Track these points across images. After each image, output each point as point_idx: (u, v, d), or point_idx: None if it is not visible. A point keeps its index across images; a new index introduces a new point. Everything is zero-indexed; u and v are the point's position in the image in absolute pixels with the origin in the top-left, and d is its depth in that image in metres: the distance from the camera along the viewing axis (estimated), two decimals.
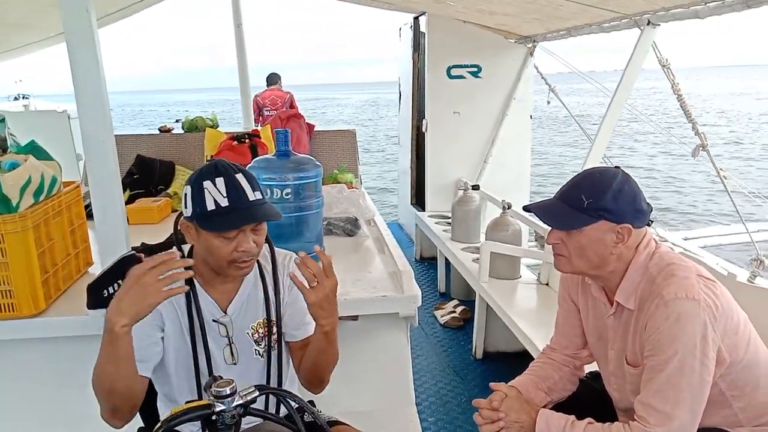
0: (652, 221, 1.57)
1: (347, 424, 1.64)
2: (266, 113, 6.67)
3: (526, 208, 1.66)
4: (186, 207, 1.47)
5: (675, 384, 1.39)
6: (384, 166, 15.20)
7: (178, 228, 1.62)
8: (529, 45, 4.87)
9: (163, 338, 1.55)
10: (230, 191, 1.44)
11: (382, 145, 19.72)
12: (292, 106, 7.00)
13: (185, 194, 1.48)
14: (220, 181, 1.44)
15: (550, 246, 1.64)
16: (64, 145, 5.01)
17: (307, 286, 1.45)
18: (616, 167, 1.58)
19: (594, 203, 1.49)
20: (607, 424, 1.49)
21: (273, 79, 6.95)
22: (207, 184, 1.44)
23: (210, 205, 1.42)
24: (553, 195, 1.63)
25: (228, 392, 1.19)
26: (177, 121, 4.69)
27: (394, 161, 14.91)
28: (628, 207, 1.50)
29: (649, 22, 3.12)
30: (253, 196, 1.48)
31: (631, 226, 1.50)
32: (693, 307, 1.39)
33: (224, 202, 1.43)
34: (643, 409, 1.43)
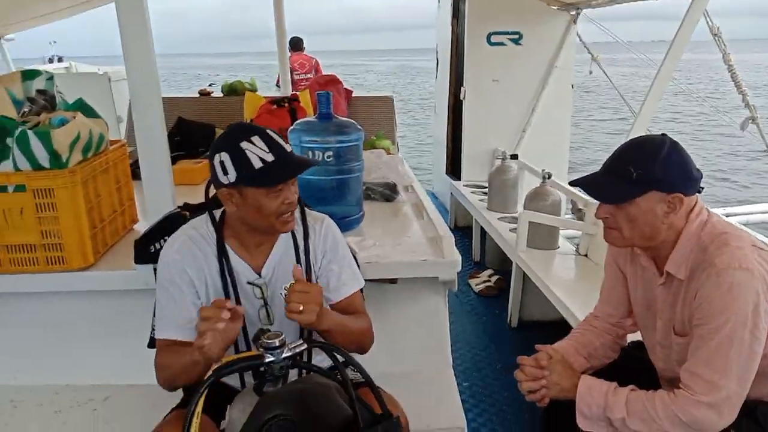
0: (702, 188, 1.53)
1: (380, 387, 1.66)
2: (296, 77, 6.68)
3: (572, 183, 1.63)
4: (226, 173, 1.44)
5: (724, 354, 1.37)
6: (414, 135, 15.08)
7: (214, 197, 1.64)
8: (573, 12, 4.73)
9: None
10: (271, 146, 1.45)
11: (416, 114, 19.56)
12: (317, 71, 7.01)
13: (220, 162, 1.45)
14: (256, 139, 1.45)
15: (592, 216, 1.61)
16: (105, 107, 5.08)
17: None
18: (662, 134, 1.54)
19: (643, 174, 1.45)
20: (651, 391, 1.49)
21: (298, 44, 6.93)
22: (245, 144, 1.43)
23: (257, 163, 1.42)
24: (599, 167, 1.59)
25: (277, 344, 1.22)
26: (211, 85, 4.71)
27: (420, 131, 14.82)
28: (679, 175, 1.46)
29: None
30: (287, 146, 1.50)
31: (682, 195, 1.47)
32: (746, 277, 1.36)
33: (269, 157, 1.43)
34: (690, 377, 1.42)
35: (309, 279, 1.64)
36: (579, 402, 1.54)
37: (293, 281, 1.44)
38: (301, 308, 1.39)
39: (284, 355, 1.22)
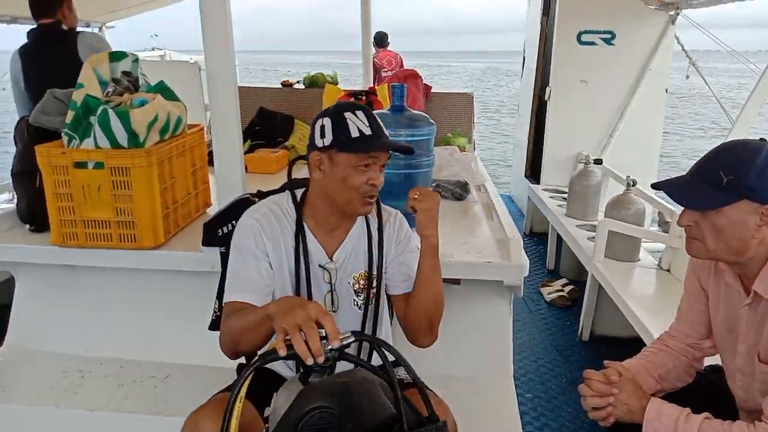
0: None
1: (429, 388, 1.60)
2: (383, 74, 6.67)
3: (654, 186, 1.51)
4: (323, 137, 1.50)
5: None
6: (495, 139, 14.84)
7: (294, 173, 1.67)
8: (671, 12, 4.46)
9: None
10: (372, 122, 1.51)
11: (499, 115, 19.24)
12: (401, 67, 6.98)
13: (321, 126, 1.52)
14: (360, 114, 1.51)
15: (678, 229, 1.48)
16: (194, 94, 5.25)
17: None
18: (761, 139, 1.39)
19: (735, 180, 1.32)
20: (728, 421, 1.35)
21: (383, 40, 6.92)
22: (348, 114, 1.50)
23: (354, 132, 1.48)
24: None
25: (324, 334, 1.18)
26: (298, 82, 4.80)
27: (503, 135, 14.53)
28: None
29: None
30: (385, 130, 1.55)
31: None
32: None
33: (368, 131, 1.49)
34: None
35: (380, 270, 1.64)
36: (646, 426, 1.42)
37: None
38: (417, 195, 1.55)
39: (331, 347, 1.18)
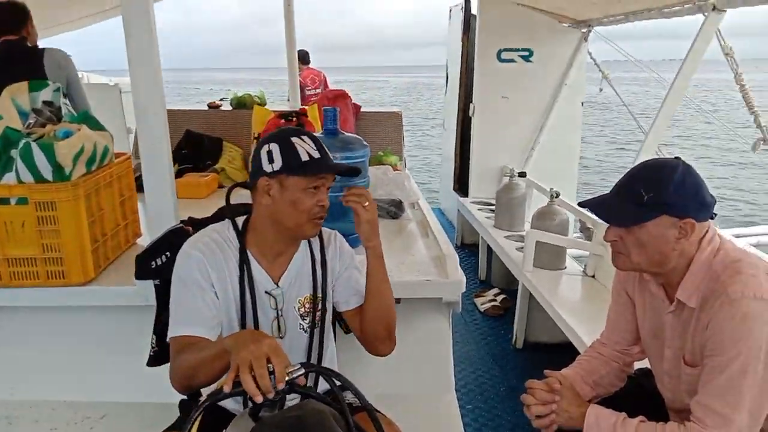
0: (715, 214, 1.49)
1: (378, 411, 1.63)
2: (308, 92, 6.68)
3: (581, 204, 1.60)
4: (272, 162, 1.51)
5: (736, 386, 1.32)
6: (421, 151, 15.10)
7: (233, 205, 1.66)
8: (584, 30, 4.71)
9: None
10: (318, 146, 1.55)
11: (423, 129, 19.59)
12: (325, 86, 7.02)
13: (268, 152, 1.52)
14: (307, 138, 1.54)
15: (600, 237, 1.58)
16: (115, 118, 5.10)
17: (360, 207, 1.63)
18: (676, 158, 1.50)
19: (655, 197, 1.42)
20: (661, 423, 1.44)
21: (305, 58, 6.95)
22: (295, 139, 1.53)
23: (304, 156, 1.51)
24: (609, 189, 1.56)
25: (271, 369, 1.19)
26: (222, 99, 4.73)
27: (430, 146, 14.82)
28: (691, 200, 1.42)
29: (714, 8, 2.97)
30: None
31: (694, 221, 1.42)
32: (760, 306, 1.32)
33: (316, 154, 1.53)
34: (701, 410, 1.38)
35: (324, 291, 1.66)
36: (586, 431, 1.50)
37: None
38: (367, 203, 1.63)
39: (278, 389, 1.18)
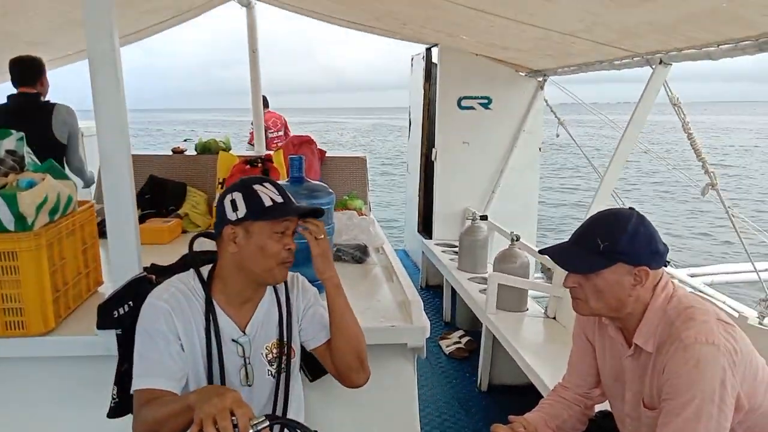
0: (668, 262, 1.57)
1: None
2: (270, 135, 6.75)
3: (542, 252, 1.67)
4: (236, 210, 1.54)
5: (692, 429, 1.38)
6: (387, 194, 15.23)
7: (195, 253, 1.66)
8: (540, 78, 4.92)
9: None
10: (281, 191, 1.59)
11: (387, 169, 19.81)
12: (286, 128, 7.11)
13: (231, 201, 1.55)
14: (268, 185, 1.58)
15: (560, 279, 1.64)
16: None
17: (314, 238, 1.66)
18: (630, 208, 1.59)
19: (610, 246, 1.50)
20: None
21: (265, 102, 7.04)
22: (257, 187, 1.56)
23: (267, 201, 1.54)
24: (569, 228, 1.63)
25: (235, 422, 1.20)
26: (186, 140, 4.71)
27: (395, 188, 14.99)
28: (645, 249, 1.50)
29: (661, 61, 3.15)
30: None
31: (648, 268, 1.50)
32: (712, 351, 1.39)
33: (279, 199, 1.56)
34: None
35: (290, 333, 1.67)
36: None
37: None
38: (322, 236, 1.65)
39: None
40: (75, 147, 3.65)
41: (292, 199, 1.61)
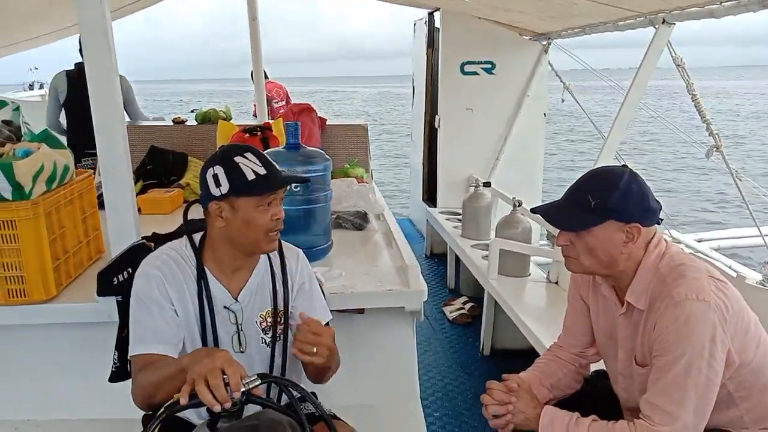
0: (662, 219, 1.56)
1: (340, 419, 1.65)
2: (275, 105, 6.70)
3: (533, 210, 1.66)
4: (218, 185, 1.51)
5: (681, 384, 1.38)
6: (392, 161, 15.19)
7: (190, 215, 1.67)
8: (544, 42, 4.83)
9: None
10: (263, 161, 1.53)
11: (393, 138, 19.74)
12: (287, 98, 7.05)
13: (214, 176, 1.52)
14: (250, 155, 1.53)
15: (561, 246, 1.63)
16: None
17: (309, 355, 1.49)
18: (623, 166, 1.57)
19: (601, 203, 1.48)
20: (612, 422, 1.49)
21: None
22: (239, 159, 1.52)
23: (250, 175, 1.50)
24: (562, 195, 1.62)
25: (227, 380, 1.21)
26: (192, 111, 4.72)
27: (399, 156, 14.94)
28: (637, 206, 1.49)
29: (664, 21, 3.09)
30: (278, 165, 1.58)
31: (640, 225, 1.49)
32: (703, 308, 1.38)
33: (262, 170, 1.51)
34: (649, 408, 1.43)
35: (286, 308, 1.66)
36: None
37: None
38: (315, 350, 1.47)
39: (232, 396, 1.21)
40: (134, 106, 4.42)
41: (276, 167, 1.57)
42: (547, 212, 1.60)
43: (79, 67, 3.91)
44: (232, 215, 1.52)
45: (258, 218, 1.52)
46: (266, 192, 1.52)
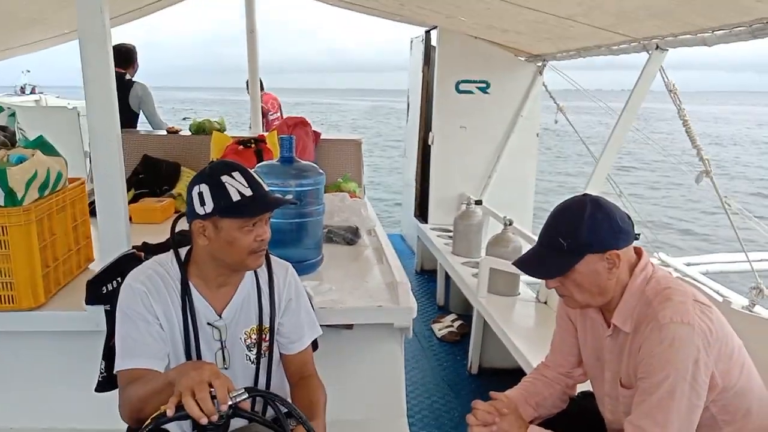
0: (638, 235, 1.57)
1: None
2: (271, 117, 6.70)
3: (514, 264, 1.66)
4: (203, 204, 1.49)
5: (665, 407, 1.39)
6: (389, 174, 15.22)
7: (177, 227, 1.66)
8: (539, 63, 4.89)
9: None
10: (250, 182, 1.50)
11: (385, 153, 19.81)
12: (280, 109, 7.07)
13: (199, 194, 1.50)
14: (237, 175, 1.50)
15: None
16: (73, 141, 5.03)
17: None
18: (584, 195, 1.59)
19: (573, 242, 1.50)
20: None
21: (260, 84, 7.00)
22: (225, 178, 1.49)
23: (235, 197, 1.47)
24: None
25: (214, 393, 1.21)
26: (185, 119, 4.75)
27: (394, 170, 14.97)
28: (607, 233, 1.50)
29: (657, 47, 3.14)
30: (265, 185, 1.55)
31: (616, 250, 1.51)
32: (687, 331, 1.40)
33: (248, 192, 1.49)
34: (633, 429, 1.44)
35: (272, 325, 1.65)
36: None
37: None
38: None
39: (219, 408, 1.21)
40: (150, 111, 4.80)
41: (263, 187, 1.54)
42: (527, 263, 1.62)
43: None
44: (215, 235, 1.50)
45: (241, 239, 1.50)
46: (248, 216, 1.49)
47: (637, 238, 1.56)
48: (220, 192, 1.48)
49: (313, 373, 1.73)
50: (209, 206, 1.48)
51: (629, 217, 1.55)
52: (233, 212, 1.47)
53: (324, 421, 1.60)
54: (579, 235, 1.49)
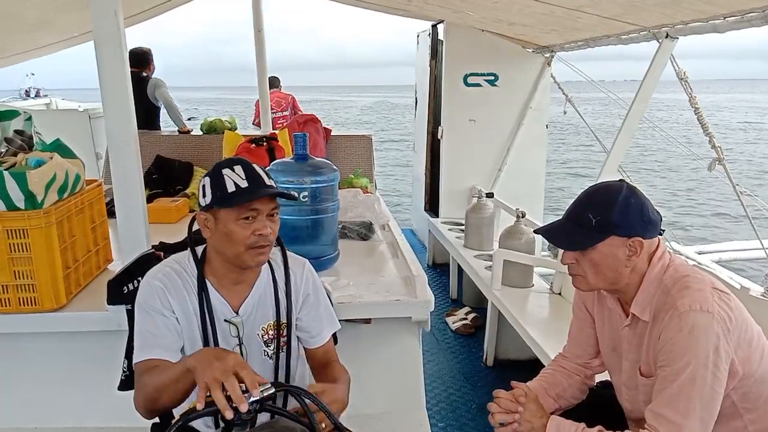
0: (663, 230, 1.58)
1: (347, 428, 1.66)
2: (273, 116, 6.73)
3: (536, 231, 1.68)
4: (204, 196, 1.53)
5: (686, 394, 1.40)
6: (393, 170, 15.22)
7: (195, 226, 1.67)
8: (547, 55, 4.87)
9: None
10: (248, 175, 1.52)
11: (396, 147, 19.80)
12: (294, 107, 7.09)
13: (203, 186, 1.54)
14: (238, 168, 1.52)
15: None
16: (84, 143, 5.08)
17: None
18: (620, 181, 1.60)
19: (602, 220, 1.50)
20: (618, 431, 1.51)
21: (274, 83, 7.02)
22: (226, 171, 1.52)
23: (230, 187, 1.49)
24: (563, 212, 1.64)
25: (244, 388, 1.22)
26: (190, 119, 4.79)
27: (399, 166, 14.98)
28: (637, 220, 1.51)
29: (667, 35, 3.12)
30: (269, 181, 1.55)
31: (642, 239, 1.51)
32: (707, 319, 1.40)
33: (243, 184, 1.50)
34: (654, 418, 1.44)
35: (289, 321, 1.66)
36: None
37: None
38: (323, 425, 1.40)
39: (252, 399, 1.22)
40: (167, 99, 4.93)
41: (263, 181, 1.54)
42: (550, 232, 1.63)
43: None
44: (215, 227, 1.53)
45: (238, 232, 1.50)
46: (242, 203, 1.50)
47: (661, 234, 1.56)
48: (217, 183, 1.51)
49: (336, 359, 1.76)
50: (209, 197, 1.52)
51: (659, 213, 1.55)
52: (227, 202, 1.50)
53: (348, 388, 1.63)
54: (609, 214, 1.49)
